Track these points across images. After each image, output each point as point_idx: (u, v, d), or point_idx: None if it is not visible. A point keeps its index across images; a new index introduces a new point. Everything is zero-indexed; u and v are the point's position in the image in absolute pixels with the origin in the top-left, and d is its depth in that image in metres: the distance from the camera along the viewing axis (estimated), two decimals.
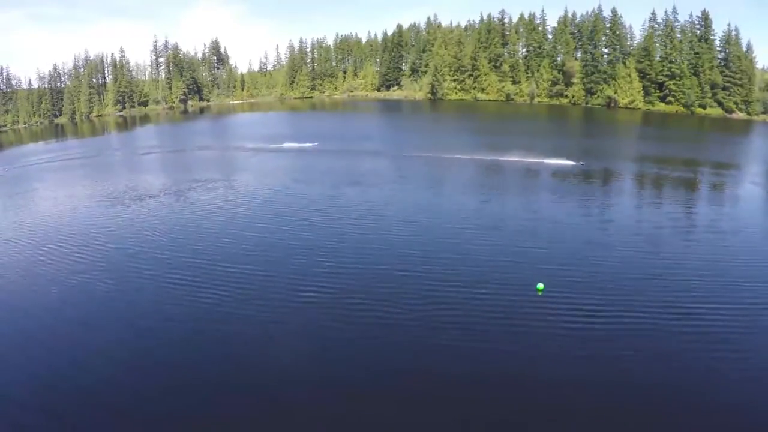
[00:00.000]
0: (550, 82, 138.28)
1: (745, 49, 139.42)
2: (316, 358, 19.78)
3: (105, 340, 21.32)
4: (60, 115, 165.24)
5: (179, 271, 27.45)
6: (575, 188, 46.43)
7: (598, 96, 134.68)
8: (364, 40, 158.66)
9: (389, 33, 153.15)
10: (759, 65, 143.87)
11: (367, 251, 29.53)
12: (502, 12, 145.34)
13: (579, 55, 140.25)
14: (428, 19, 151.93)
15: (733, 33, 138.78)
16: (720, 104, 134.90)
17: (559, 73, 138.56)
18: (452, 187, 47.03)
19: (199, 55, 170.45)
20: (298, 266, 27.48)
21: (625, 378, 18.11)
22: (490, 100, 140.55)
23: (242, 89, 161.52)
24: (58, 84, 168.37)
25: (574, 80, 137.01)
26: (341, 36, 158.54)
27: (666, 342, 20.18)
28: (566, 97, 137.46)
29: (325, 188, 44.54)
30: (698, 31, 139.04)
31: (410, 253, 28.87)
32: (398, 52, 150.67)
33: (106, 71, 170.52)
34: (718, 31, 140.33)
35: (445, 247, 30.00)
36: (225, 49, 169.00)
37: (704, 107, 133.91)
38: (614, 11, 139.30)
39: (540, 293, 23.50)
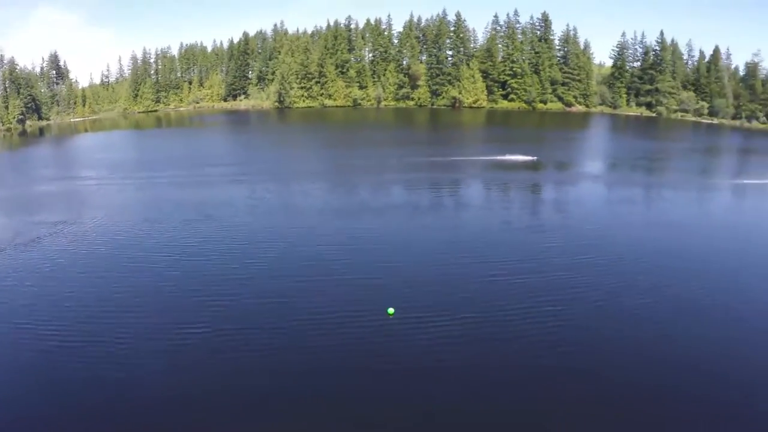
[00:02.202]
0: (396, 86, 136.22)
1: (582, 46, 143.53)
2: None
3: None
4: None
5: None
6: (419, 200, 47.99)
7: (443, 97, 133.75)
8: (209, 49, 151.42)
9: (235, 41, 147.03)
10: (596, 61, 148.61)
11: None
12: (349, 18, 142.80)
13: (424, 58, 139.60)
14: (275, 26, 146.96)
15: (572, 33, 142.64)
16: (560, 99, 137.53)
17: (404, 76, 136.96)
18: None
19: (37, 70, 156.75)
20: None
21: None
22: (337, 106, 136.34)
23: (83, 105, 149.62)
24: None
25: (420, 83, 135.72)
26: (186, 45, 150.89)
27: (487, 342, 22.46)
28: (412, 99, 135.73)
29: (172, 221, 41.06)
30: (539, 32, 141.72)
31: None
32: (244, 61, 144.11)
33: None
34: (558, 31, 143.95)
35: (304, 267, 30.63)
36: (65, 62, 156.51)
37: (545, 102, 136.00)
38: (458, 15, 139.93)
39: (391, 316, 24.26)
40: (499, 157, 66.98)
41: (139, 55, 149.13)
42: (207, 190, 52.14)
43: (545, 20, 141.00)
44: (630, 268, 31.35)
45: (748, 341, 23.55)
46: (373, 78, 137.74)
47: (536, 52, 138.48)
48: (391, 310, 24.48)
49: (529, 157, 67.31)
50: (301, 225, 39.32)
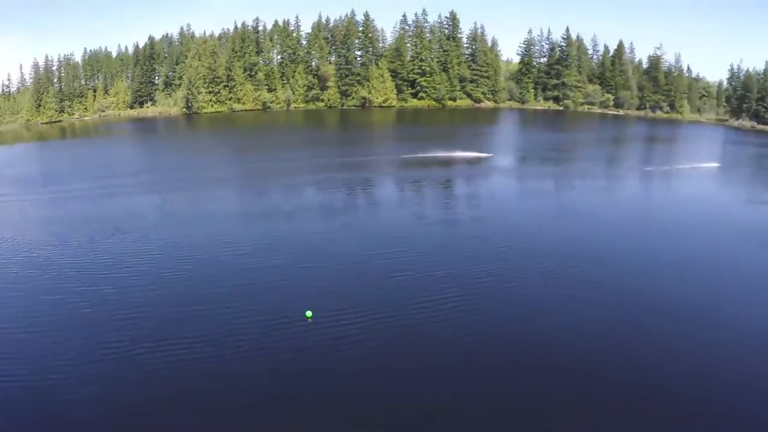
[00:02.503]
0: (305, 88, 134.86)
1: (490, 44, 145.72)
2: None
3: None
4: None
5: None
6: (333, 201, 47.99)
7: (353, 97, 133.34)
8: (114, 54, 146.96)
9: (141, 45, 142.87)
10: (504, 57, 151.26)
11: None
12: (257, 20, 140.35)
13: (333, 59, 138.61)
14: (181, 29, 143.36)
15: (479, 31, 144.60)
16: (469, 96, 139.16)
17: (314, 77, 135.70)
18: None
19: None
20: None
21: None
22: (246, 110, 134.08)
23: None
24: None
25: (329, 84, 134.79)
26: (90, 51, 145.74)
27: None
28: (322, 101, 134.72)
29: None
30: (447, 30, 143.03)
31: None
32: (150, 66, 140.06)
33: None
34: (466, 29, 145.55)
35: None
36: None
37: (454, 99, 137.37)
38: (366, 15, 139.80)
39: (309, 319, 24.13)
40: (451, 154, 69.02)
41: (41, 63, 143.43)
42: (116, 202, 50.21)
43: (453, 19, 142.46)
44: (540, 257, 32.82)
45: (655, 320, 25.06)
46: (282, 80, 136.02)
47: (445, 51, 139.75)
48: (309, 314, 24.31)
49: (483, 154, 69.97)
50: (214, 232, 38.51)
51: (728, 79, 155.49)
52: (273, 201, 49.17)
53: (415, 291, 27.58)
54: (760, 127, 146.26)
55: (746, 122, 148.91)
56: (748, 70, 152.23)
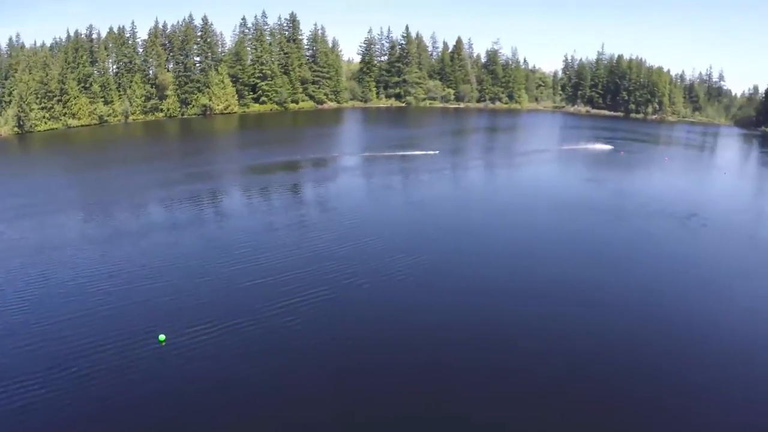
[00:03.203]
0: (143, 98, 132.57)
1: (331, 45, 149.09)
2: None
3: None
4: None
5: None
6: (179, 216, 47.48)
7: (193, 105, 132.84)
8: None
9: None
10: (345, 58, 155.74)
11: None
12: (90, 27, 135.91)
13: (171, 66, 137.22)
14: (10, 39, 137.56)
15: (320, 32, 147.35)
16: (312, 97, 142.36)
17: (152, 87, 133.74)
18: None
19: None
20: None
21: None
22: (82, 125, 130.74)
23: None
24: None
25: (168, 92, 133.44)
26: None
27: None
28: (161, 111, 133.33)
29: None
30: (287, 33, 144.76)
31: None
32: None
33: None
34: (306, 30, 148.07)
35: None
36: None
37: (297, 102, 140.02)
38: (205, 19, 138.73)
39: (162, 344, 24.02)
40: (403, 153, 75.38)
41: None
42: None
43: (293, 21, 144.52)
44: (396, 250, 36.49)
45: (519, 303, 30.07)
46: (119, 91, 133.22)
47: (285, 53, 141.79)
48: (162, 337, 24.04)
49: (431, 152, 77.38)
50: (55, 259, 36.77)
51: (563, 69, 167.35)
52: (115, 221, 47.48)
53: (266, 297, 29.00)
54: (594, 111, 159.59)
55: (581, 108, 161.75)
56: (581, 60, 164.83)
